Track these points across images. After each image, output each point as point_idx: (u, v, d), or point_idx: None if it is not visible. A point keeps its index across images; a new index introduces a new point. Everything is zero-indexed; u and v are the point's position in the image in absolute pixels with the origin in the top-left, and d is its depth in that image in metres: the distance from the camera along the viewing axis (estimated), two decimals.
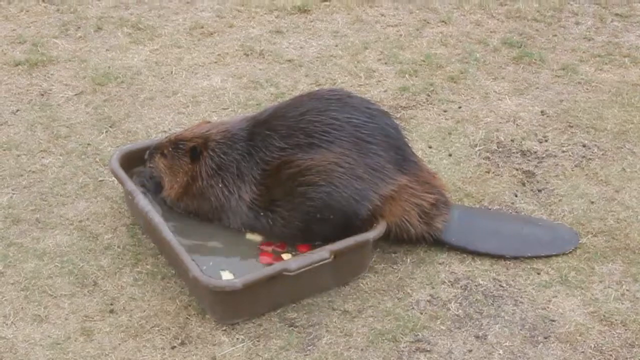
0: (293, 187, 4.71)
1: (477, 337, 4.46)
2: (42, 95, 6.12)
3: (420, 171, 4.93)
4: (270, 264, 4.63)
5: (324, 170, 4.67)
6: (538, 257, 4.92)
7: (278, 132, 4.78)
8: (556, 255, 4.92)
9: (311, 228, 4.74)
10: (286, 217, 4.76)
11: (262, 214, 4.81)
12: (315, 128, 4.73)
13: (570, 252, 4.96)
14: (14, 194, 5.27)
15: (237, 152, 4.87)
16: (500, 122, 5.95)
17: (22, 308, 4.55)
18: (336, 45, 6.75)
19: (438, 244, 4.96)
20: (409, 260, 4.90)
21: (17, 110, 5.96)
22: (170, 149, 5.00)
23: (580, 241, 5.01)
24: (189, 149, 4.94)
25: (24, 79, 6.28)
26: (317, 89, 6.09)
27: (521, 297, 4.67)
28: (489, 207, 5.24)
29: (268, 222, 4.81)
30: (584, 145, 5.75)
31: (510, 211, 5.23)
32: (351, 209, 4.69)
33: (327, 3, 7.26)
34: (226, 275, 4.58)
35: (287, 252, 4.78)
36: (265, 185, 4.79)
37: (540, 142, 5.77)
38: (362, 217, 4.72)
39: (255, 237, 4.86)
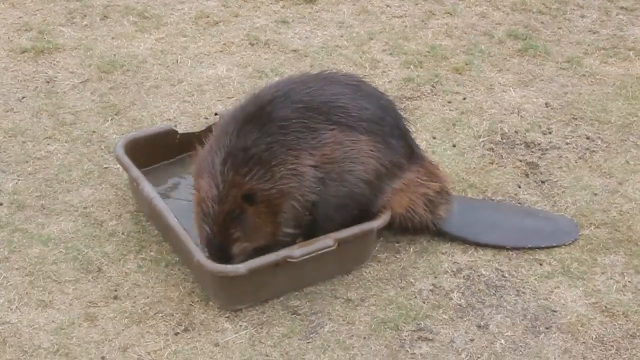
0: (343, 169, 4.61)
1: (479, 326, 4.47)
2: (48, 82, 6.14)
3: (425, 161, 4.96)
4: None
5: (364, 161, 4.65)
6: (539, 248, 4.93)
7: (317, 109, 4.61)
8: (558, 247, 4.94)
9: (329, 214, 4.67)
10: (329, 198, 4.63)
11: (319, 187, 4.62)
12: (352, 114, 4.64)
13: (570, 244, 4.97)
14: (19, 180, 5.29)
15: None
16: (504, 114, 5.96)
17: (26, 293, 4.57)
18: (341, 36, 6.75)
19: (440, 233, 4.97)
20: (412, 249, 4.92)
21: (23, 98, 5.98)
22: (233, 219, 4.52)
23: (580, 233, 5.02)
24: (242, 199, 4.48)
25: (30, 67, 6.29)
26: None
27: (523, 288, 4.69)
28: (492, 198, 5.26)
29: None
30: (587, 138, 5.76)
31: (513, 202, 5.24)
32: (367, 200, 4.70)
33: None
34: None
35: None
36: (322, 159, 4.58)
37: (544, 134, 5.78)
38: (376, 209, 4.74)
39: None
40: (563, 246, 4.94)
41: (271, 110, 4.57)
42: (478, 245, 4.95)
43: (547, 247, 4.96)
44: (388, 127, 4.75)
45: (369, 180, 4.67)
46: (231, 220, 4.43)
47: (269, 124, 4.52)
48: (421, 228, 4.94)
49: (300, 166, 4.53)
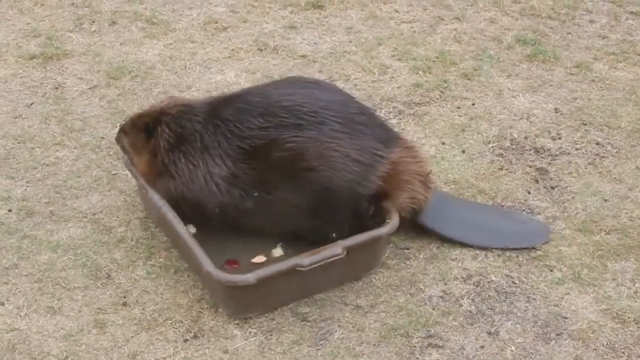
0: (293, 171, 4.62)
1: (489, 333, 4.45)
2: (57, 88, 6.14)
3: (407, 142, 4.96)
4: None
5: (321, 155, 4.62)
6: (507, 249, 4.94)
7: (255, 109, 4.68)
8: (527, 249, 4.94)
9: (320, 211, 4.67)
10: (289, 197, 4.66)
11: (255, 194, 4.67)
12: (302, 108, 4.66)
13: (540, 246, 4.98)
14: (28, 186, 5.29)
15: (198, 125, 4.75)
16: (513, 119, 5.95)
17: (35, 300, 4.57)
18: (350, 41, 6.75)
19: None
20: (421, 256, 4.91)
21: (32, 104, 5.98)
22: (130, 127, 4.95)
23: (551, 236, 5.03)
24: (143, 126, 4.88)
25: (39, 73, 6.30)
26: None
27: (533, 294, 4.67)
28: (502, 204, 5.24)
29: (262, 203, 4.69)
30: (597, 143, 5.74)
31: (523, 208, 5.22)
32: (355, 191, 4.67)
33: None
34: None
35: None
36: (249, 164, 4.65)
37: (554, 140, 5.76)
38: (368, 197, 4.70)
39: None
40: (573, 252, 4.92)
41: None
42: (444, 240, 4.96)
43: (517, 249, 4.95)
44: (351, 115, 4.73)
45: (337, 170, 4.64)
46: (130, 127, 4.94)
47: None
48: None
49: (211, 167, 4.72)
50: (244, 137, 4.66)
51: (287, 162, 4.61)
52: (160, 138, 4.80)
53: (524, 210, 5.21)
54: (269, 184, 4.66)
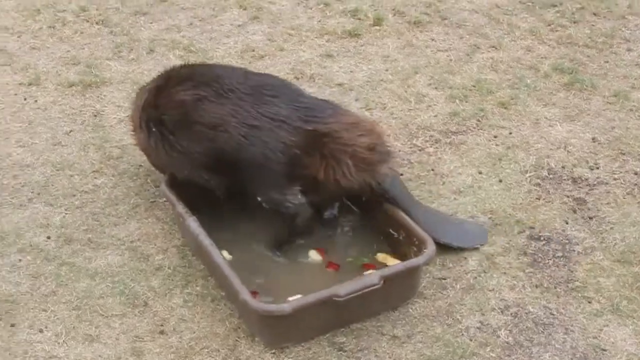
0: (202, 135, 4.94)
1: None
2: (95, 116, 6.20)
3: (344, 117, 5.01)
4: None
5: (222, 122, 4.87)
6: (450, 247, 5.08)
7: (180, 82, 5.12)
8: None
9: (240, 173, 4.91)
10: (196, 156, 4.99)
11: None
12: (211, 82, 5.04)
13: (478, 247, 5.12)
14: (66, 213, 5.33)
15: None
16: (551, 149, 5.92)
17: (73, 327, 4.60)
18: (386, 70, 6.76)
19: (385, 194, 5.03)
20: (458, 286, 4.89)
21: (71, 131, 6.04)
22: None
23: (488, 240, 5.17)
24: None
25: (78, 100, 6.36)
26: (367, 112, 6.13)
27: (572, 326, 4.64)
28: (540, 235, 5.21)
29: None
30: (635, 173, 5.70)
31: (560, 238, 5.19)
32: (261, 155, 4.83)
33: (378, 27, 7.28)
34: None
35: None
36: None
37: (592, 169, 5.73)
38: (281, 162, 4.83)
39: (317, 257, 4.96)
40: (612, 284, 4.88)
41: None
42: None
43: (457, 248, 5.10)
44: (266, 88, 5.02)
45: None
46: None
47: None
48: (366, 192, 4.97)
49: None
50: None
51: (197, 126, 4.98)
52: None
53: (561, 240, 5.18)
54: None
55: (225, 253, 4.80)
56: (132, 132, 5.46)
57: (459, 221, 5.32)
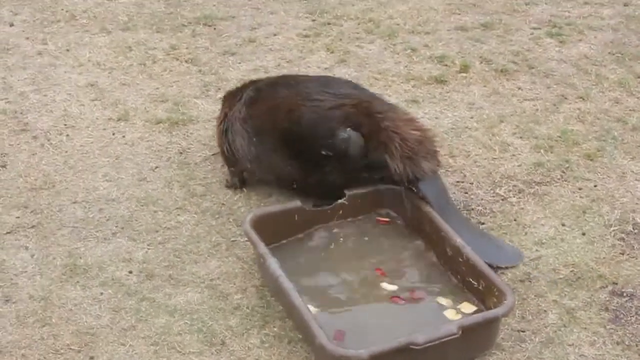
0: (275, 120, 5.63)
1: None
2: (181, 153, 6.28)
3: (401, 113, 5.65)
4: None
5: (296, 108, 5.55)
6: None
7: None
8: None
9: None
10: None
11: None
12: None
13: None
14: (149, 249, 5.40)
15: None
16: (636, 203, 5.83)
17: None
18: (471, 117, 6.74)
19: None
20: (537, 339, 4.82)
21: (156, 167, 6.13)
22: None
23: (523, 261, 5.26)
24: None
25: (164, 137, 6.46)
26: (450, 160, 6.11)
27: None
28: (623, 290, 5.12)
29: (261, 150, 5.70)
30: None
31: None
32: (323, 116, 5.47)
33: (464, 74, 7.27)
34: None
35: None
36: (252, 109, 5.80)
37: None
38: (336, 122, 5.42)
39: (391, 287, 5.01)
40: None
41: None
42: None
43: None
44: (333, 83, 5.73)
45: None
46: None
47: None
48: (401, 178, 5.36)
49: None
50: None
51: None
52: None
53: None
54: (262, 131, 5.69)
55: (311, 307, 4.80)
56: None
57: (494, 239, 5.42)
